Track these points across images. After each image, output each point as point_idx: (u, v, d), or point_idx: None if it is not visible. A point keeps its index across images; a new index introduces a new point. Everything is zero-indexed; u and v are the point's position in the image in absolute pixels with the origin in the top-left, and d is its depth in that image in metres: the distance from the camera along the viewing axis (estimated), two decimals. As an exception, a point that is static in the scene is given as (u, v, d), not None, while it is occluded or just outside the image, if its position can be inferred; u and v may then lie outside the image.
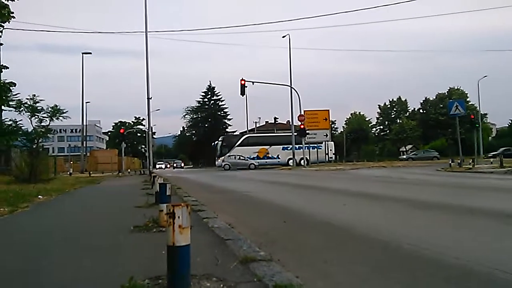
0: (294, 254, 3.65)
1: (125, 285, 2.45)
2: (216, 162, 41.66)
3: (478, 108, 55.22)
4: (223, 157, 40.25)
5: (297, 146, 39.88)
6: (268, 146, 42.59)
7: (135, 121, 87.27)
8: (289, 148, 40.17)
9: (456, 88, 69.61)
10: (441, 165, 26.70)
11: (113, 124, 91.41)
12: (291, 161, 39.54)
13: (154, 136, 67.76)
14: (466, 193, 10.00)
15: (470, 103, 58.93)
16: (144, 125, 79.14)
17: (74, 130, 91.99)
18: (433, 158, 47.24)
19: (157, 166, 58.61)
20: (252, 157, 40.25)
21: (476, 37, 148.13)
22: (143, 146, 74.54)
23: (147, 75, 26.35)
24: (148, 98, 26.79)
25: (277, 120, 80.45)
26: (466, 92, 66.31)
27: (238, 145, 41.30)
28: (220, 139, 44.04)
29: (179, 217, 2.34)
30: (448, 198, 8.36)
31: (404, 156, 47.11)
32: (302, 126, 36.07)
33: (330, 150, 42.06)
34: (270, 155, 42.22)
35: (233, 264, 2.97)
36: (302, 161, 38.95)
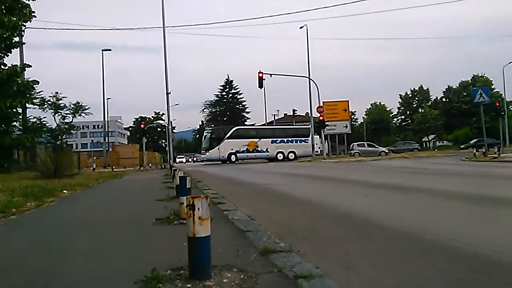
0: (314, 245, 3.64)
1: (148, 275, 2.49)
2: (202, 155, 40.51)
3: (503, 95, 53.53)
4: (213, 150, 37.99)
5: (284, 139, 40.17)
6: (258, 139, 40.10)
7: (155, 116, 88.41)
8: (278, 141, 39.89)
9: (480, 75, 67.57)
10: (466, 155, 26.06)
11: (134, 120, 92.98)
12: (280, 155, 39.23)
13: (174, 131, 68.46)
14: (491, 183, 9.74)
15: (495, 91, 57.17)
16: (164, 120, 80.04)
17: (96, 126, 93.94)
18: (413, 149, 45.39)
19: (177, 160, 57.94)
20: (241, 150, 38.61)
21: (500, 23, 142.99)
22: (163, 141, 75.48)
23: (165, 70, 26.65)
24: (167, 93, 27.13)
25: (295, 112, 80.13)
26: (490, 79, 64.33)
27: (228, 138, 38.64)
28: (208, 131, 40.91)
29: (198, 208, 2.37)
30: (472, 188, 8.16)
31: (385, 149, 43.47)
32: (321, 118, 35.77)
33: (316, 144, 40.38)
34: (259, 149, 39.87)
35: (253, 255, 2.98)
36: (290, 155, 39.46)
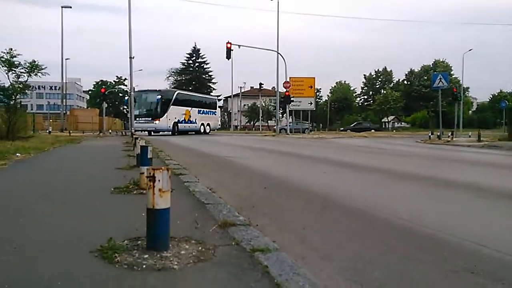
0: (273, 219, 3.72)
1: (104, 245, 2.46)
2: (146, 125, 31.67)
3: (461, 81, 55.94)
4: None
5: (205, 110, 37.93)
6: (190, 108, 35.56)
7: (117, 80, 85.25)
8: (201, 112, 37.34)
9: (441, 60, 70.00)
10: (421, 137, 27.24)
11: (94, 83, 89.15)
12: (202, 127, 36.76)
13: (137, 97, 66.35)
14: (442, 165, 10.28)
15: (453, 76, 59.55)
16: (126, 85, 77.35)
17: (53, 87, 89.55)
18: (305, 130, 44.35)
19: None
20: (181, 120, 33.98)
21: (465, 10, 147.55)
22: (125, 107, 73.33)
23: (129, 33, 25.54)
24: (131, 58, 26.11)
25: (262, 86, 79.88)
26: (450, 65, 66.88)
27: (173, 103, 33.27)
28: (158, 93, 32.63)
29: (159, 180, 2.34)
30: (425, 170, 8.59)
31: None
32: (287, 93, 35.97)
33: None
34: (192, 119, 35.65)
35: (212, 228, 3.01)
36: (206, 127, 37.66)
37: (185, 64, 74.59)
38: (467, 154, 13.89)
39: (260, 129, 63.05)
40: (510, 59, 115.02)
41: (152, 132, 32.40)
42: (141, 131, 31.25)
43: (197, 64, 74.78)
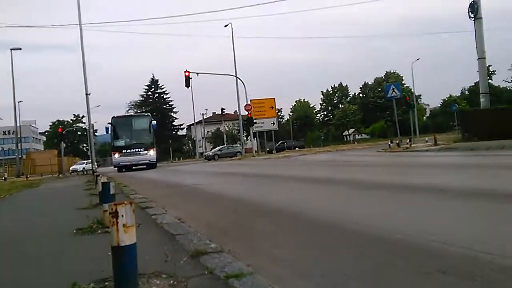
0: (245, 243, 3.66)
1: (68, 291, 2.31)
2: (151, 156, 26.59)
3: (412, 90, 58.68)
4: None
5: None
6: None
7: (74, 119, 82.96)
8: None
9: (392, 71, 73.35)
10: (382, 146, 28.12)
11: (51, 124, 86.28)
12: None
13: (96, 134, 64.87)
14: (404, 171, 10.61)
15: (405, 86, 62.44)
16: (84, 123, 75.39)
17: (7, 132, 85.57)
18: (236, 153, 41.64)
19: (73, 167, 43.14)
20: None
21: (410, 22, 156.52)
22: (84, 145, 71.08)
23: (84, 70, 25.08)
24: (87, 94, 25.58)
25: (224, 110, 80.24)
26: (401, 75, 70.15)
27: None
28: (151, 119, 28.33)
29: (122, 215, 2.25)
30: (389, 177, 8.83)
31: (209, 153, 43.69)
32: (249, 115, 36.27)
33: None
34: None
35: (183, 259, 2.92)
36: None
37: (145, 96, 73.99)
38: (426, 158, 14.45)
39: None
40: (455, 65, 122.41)
41: (144, 166, 26.34)
42: (131, 167, 25.40)
43: (156, 94, 74.34)
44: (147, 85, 74.14)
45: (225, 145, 48.82)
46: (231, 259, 2.80)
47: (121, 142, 25.43)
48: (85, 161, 45.81)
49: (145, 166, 26.23)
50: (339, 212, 4.84)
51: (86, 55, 25.17)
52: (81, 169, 39.16)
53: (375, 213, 4.65)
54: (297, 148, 48.60)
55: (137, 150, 25.67)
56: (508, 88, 65.71)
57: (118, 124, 26.35)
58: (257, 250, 3.40)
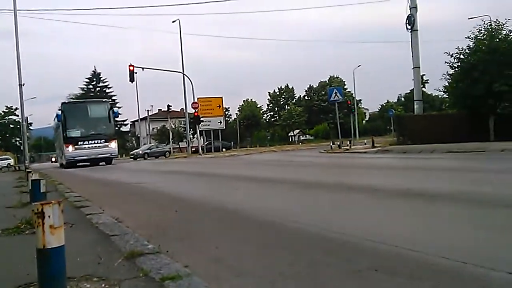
0: (185, 243, 3.60)
1: (-14, 299, 2.13)
2: (112, 149, 23.50)
3: (353, 94, 61.32)
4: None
5: None
6: None
7: (7, 111, 76.88)
8: None
9: (335, 76, 76.10)
10: (324, 147, 29.09)
11: (-21, 116, 79.31)
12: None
13: (31, 127, 60.67)
14: (343, 172, 11.06)
15: (347, 90, 65.02)
16: (18, 115, 70.10)
17: None
18: (165, 153, 42.39)
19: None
20: None
21: (351, 29, 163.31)
22: (17, 139, 66.11)
23: (17, 59, 23.25)
24: (20, 85, 23.76)
25: (170, 107, 78.42)
26: (344, 80, 72.95)
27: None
28: (109, 105, 25.14)
29: (49, 216, 2.11)
30: (328, 177, 9.14)
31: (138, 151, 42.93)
32: (196, 114, 35.80)
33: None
34: None
35: (117, 261, 2.80)
36: None
37: (85, 89, 70.29)
38: (364, 160, 15.17)
39: (171, 151, 61.66)
40: (393, 73, 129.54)
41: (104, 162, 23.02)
42: (88, 162, 21.87)
43: (98, 88, 70.93)
44: (88, 78, 70.63)
45: (154, 144, 48.65)
46: (169, 260, 2.73)
47: (76, 132, 21.50)
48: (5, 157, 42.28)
49: (104, 163, 23.03)
50: (280, 211, 4.92)
51: (22, 43, 23.29)
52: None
53: (313, 212, 4.79)
54: (224, 149, 42.49)
55: (95, 141, 22.07)
56: (440, 96, 70.87)
57: (71, 111, 22.20)
58: (196, 250, 3.35)
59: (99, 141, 22.09)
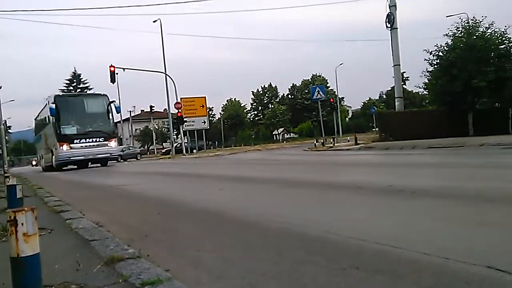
0: (166, 246, 3.54)
1: (-43, 312, 2.04)
2: (112, 149, 21.63)
3: (336, 92, 61.88)
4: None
5: None
6: None
7: (-17, 114, 74.72)
8: None
9: (318, 74, 76.64)
10: (308, 145, 29.25)
11: (-47, 119, 76.92)
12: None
13: (10, 131, 59.30)
14: (327, 169, 11.12)
15: (330, 88, 65.58)
16: (-6, 118, 68.29)
17: None
18: (136, 155, 43.82)
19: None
20: None
21: (332, 28, 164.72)
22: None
23: (-8, 60, 22.58)
24: (-3, 87, 23.15)
25: (153, 108, 77.68)
26: (326, 79, 73.55)
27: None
28: (108, 99, 22.14)
29: (22, 224, 2.04)
30: (313, 175, 9.18)
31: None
32: (179, 114, 35.54)
33: None
34: None
35: (97, 267, 2.73)
36: None
37: (65, 90, 68.93)
38: (347, 157, 15.31)
39: (155, 152, 61.09)
40: (374, 70, 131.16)
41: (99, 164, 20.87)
42: (85, 162, 20.09)
43: (78, 90, 69.67)
44: (68, 79, 69.36)
45: (126, 146, 50.25)
46: (149, 264, 2.68)
47: (71, 129, 19.18)
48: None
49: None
50: (263, 210, 4.90)
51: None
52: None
53: (298, 211, 4.78)
54: (194, 151, 40.02)
55: (93, 140, 19.99)
56: (420, 93, 72.14)
57: (65, 105, 19.74)
58: (178, 253, 3.30)
59: (97, 139, 20.17)
